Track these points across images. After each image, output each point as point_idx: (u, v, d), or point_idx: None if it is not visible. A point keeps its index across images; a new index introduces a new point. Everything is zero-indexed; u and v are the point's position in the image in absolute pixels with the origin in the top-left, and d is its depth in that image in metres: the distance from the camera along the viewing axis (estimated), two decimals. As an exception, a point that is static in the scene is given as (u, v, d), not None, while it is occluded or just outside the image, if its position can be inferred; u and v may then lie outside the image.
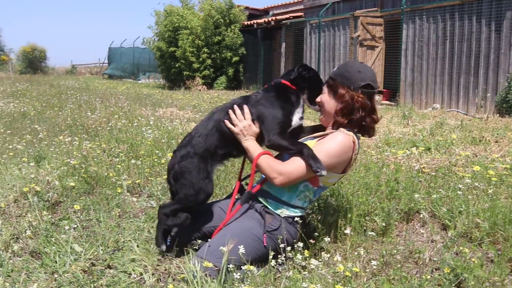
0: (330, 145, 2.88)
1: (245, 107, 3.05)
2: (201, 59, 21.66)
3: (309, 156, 2.78)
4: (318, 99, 3.12)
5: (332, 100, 3.04)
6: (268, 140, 2.97)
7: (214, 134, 3.11)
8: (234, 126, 3.03)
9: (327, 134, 3.02)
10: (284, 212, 2.99)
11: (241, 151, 3.14)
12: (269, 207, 3.04)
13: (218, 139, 3.10)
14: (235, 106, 3.07)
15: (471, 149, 6.68)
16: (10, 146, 6.31)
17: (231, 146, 3.12)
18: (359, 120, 2.98)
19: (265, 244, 2.87)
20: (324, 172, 2.73)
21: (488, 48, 12.75)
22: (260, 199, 3.09)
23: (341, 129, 2.98)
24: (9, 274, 2.88)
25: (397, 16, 15.70)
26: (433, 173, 4.91)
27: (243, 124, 3.00)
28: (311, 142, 2.99)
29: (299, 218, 3.03)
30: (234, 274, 2.47)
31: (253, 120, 3.03)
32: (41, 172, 4.97)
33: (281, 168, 2.85)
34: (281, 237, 2.85)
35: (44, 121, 8.91)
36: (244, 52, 22.53)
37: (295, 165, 2.83)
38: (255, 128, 3.01)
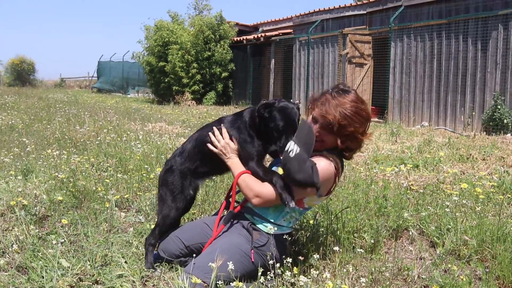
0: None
1: (222, 127, 3.09)
2: (190, 74, 21.68)
3: (280, 187, 2.79)
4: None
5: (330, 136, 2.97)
6: (246, 166, 3.00)
7: (196, 153, 3.22)
8: (215, 148, 3.05)
9: None
10: (272, 229, 2.98)
11: (223, 170, 3.23)
12: (256, 224, 3.03)
13: (199, 158, 3.21)
14: (214, 128, 3.12)
15: (459, 166, 6.74)
16: (-3, 160, 6.26)
17: (210, 165, 3.21)
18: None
19: (252, 260, 2.86)
20: (292, 204, 2.74)
21: (475, 67, 12.92)
22: (247, 216, 3.08)
23: (324, 152, 2.97)
24: (-6, 290, 2.85)
25: (385, 34, 15.87)
26: (421, 190, 4.94)
27: (221, 143, 3.04)
28: None
29: (287, 235, 3.02)
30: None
31: (231, 138, 3.05)
32: (28, 186, 4.93)
33: (258, 190, 2.87)
34: (269, 253, 2.84)
35: (32, 134, 8.85)
36: (234, 67, 22.59)
37: (271, 190, 2.85)
38: (233, 145, 3.04)
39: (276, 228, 2.98)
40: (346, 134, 2.89)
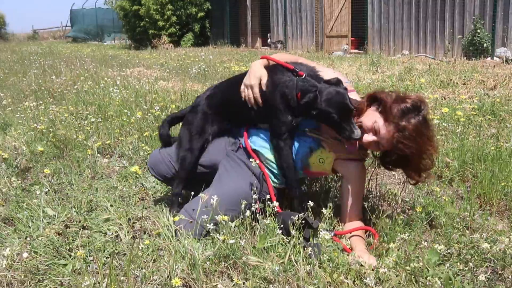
0: (357, 186, 2.80)
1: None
2: (165, 16, 21.22)
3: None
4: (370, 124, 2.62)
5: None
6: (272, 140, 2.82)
7: (224, 101, 3.02)
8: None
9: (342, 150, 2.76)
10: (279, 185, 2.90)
11: (244, 123, 3.03)
12: (271, 175, 2.90)
13: (226, 106, 3.01)
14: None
15: (440, 92, 6.76)
16: (-26, 115, 6.15)
17: (234, 116, 3.01)
18: None
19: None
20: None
21: (454, -10, 12.77)
22: (266, 165, 2.90)
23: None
24: (-19, 242, 2.84)
25: (362, -38, 15.54)
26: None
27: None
28: (327, 155, 2.81)
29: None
30: (208, 225, 2.46)
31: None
32: (7, 139, 4.86)
33: None
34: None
35: (7, 88, 8.67)
36: (209, 7, 22.14)
37: None
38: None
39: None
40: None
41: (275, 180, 2.87)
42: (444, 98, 6.34)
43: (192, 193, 2.82)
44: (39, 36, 40.83)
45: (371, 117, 2.60)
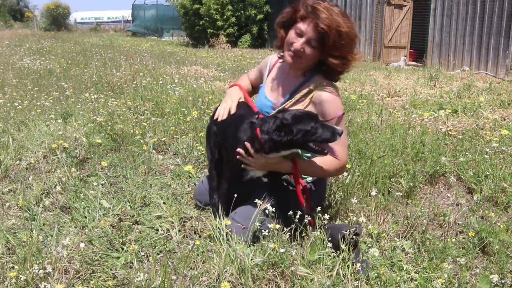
0: (333, 106, 2.78)
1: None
2: (225, 16, 21.44)
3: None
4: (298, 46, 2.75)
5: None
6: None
7: None
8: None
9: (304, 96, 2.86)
10: (308, 178, 3.00)
11: None
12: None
13: None
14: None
15: (499, 112, 6.58)
16: (38, 103, 6.39)
17: None
18: None
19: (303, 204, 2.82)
20: None
21: (521, 8, 12.39)
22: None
23: (318, 83, 2.83)
24: (41, 228, 2.96)
25: (427, -26, 15.28)
26: (460, 136, 4.86)
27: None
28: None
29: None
30: (263, 231, 2.50)
31: None
32: (68, 129, 5.03)
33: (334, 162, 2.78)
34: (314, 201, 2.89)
35: (70, 78, 8.97)
36: (269, 10, 22.22)
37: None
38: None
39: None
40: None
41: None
42: (504, 119, 6.17)
43: (235, 195, 2.82)
44: (100, 28, 41.91)
45: (291, 32, 2.81)
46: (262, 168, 2.74)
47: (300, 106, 2.82)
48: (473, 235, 2.86)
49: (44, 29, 36.79)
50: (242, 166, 2.75)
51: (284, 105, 2.88)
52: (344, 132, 2.74)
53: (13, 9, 53.73)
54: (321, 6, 2.69)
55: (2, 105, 6.32)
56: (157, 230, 2.98)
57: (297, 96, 2.85)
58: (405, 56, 16.14)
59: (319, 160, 2.76)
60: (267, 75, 3.14)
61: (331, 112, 2.75)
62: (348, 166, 3.76)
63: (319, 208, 2.77)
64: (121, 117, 5.47)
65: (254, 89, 3.32)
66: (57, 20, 39.07)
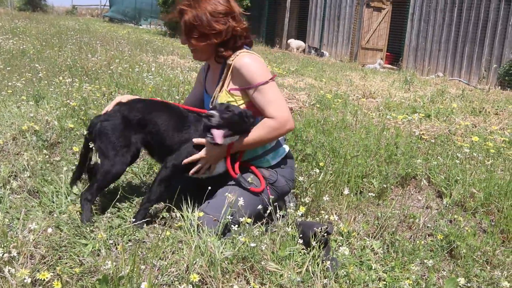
0: (251, 71, 2.80)
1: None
2: (204, 8, 21.29)
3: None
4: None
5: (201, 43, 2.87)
6: None
7: None
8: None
9: (225, 76, 2.92)
10: (271, 161, 3.00)
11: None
12: (256, 165, 2.99)
13: None
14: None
15: (471, 119, 6.68)
16: (9, 84, 6.24)
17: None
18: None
19: (270, 195, 2.84)
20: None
21: (496, 18, 12.62)
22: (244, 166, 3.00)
23: (234, 57, 2.88)
24: (7, 211, 2.89)
25: (407, -22, 15.44)
26: (432, 140, 4.92)
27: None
28: (222, 96, 2.91)
29: (287, 152, 3.08)
30: (232, 226, 2.49)
31: None
32: (40, 112, 4.93)
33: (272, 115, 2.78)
34: (281, 187, 2.96)
35: (43, 60, 8.78)
36: (249, 4, 22.13)
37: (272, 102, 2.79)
38: None
39: (274, 155, 3.01)
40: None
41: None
42: (475, 126, 6.27)
43: (209, 188, 2.82)
44: (77, 12, 41.22)
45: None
46: (216, 159, 2.84)
47: (226, 85, 2.89)
48: (441, 238, 2.89)
49: (18, 9, 36.00)
50: (192, 174, 2.88)
51: (215, 92, 2.96)
52: (275, 91, 2.80)
53: (-13, -13, 52.44)
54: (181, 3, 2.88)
55: (-28, 83, 6.16)
56: (126, 219, 2.94)
57: (222, 78, 2.93)
58: (382, 58, 16.30)
59: (256, 128, 2.81)
60: (205, 80, 3.19)
61: (249, 77, 2.79)
62: (321, 164, 3.77)
63: (292, 204, 2.78)
64: (95, 102, 5.38)
65: None
66: (33, 0, 38.30)
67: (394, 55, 16.30)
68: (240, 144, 2.82)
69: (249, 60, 2.81)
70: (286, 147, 3.11)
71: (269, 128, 2.76)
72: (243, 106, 2.85)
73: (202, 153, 2.83)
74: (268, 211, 2.63)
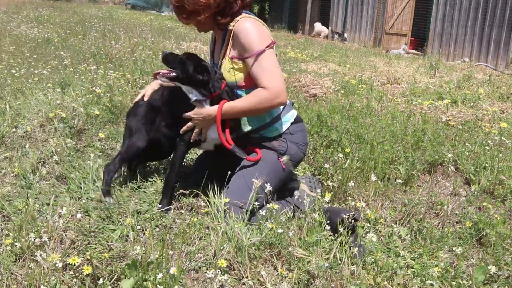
0: (248, 38, 2.75)
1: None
2: (226, -7, 21.23)
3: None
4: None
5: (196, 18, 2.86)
6: None
7: None
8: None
9: (227, 42, 2.89)
10: (280, 128, 2.96)
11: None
12: (265, 135, 2.97)
13: None
14: None
15: (498, 105, 6.56)
16: (36, 71, 6.31)
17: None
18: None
19: (283, 167, 2.85)
20: None
21: (525, 1, 12.33)
22: (253, 136, 3.00)
23: (234, 22, 2.84)
24: (37, 197, 2.93)
25: (432, -38, 15.17)
26: (460, 127, 4.84)
27: None
28: (225, 64, 2.89)
29: (296, 116, 3.04)
30: (261, 211, 2.49)
31: None
32: (66, 99, 4.98)
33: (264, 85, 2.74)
34: (294, 155, 2.95)
35: (68, 48, 8.85)
36: (271, -10, 22.05)
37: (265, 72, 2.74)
38: None
39: (283, 121, 2.97)
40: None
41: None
42: (503, 112, 6.15)
43: (229, 172, 2.86)
44: (100, 0, 41.44)
45: None
46: (206, 123, 2.84)
47: (228, 51, 2.86)
48: (470, 225, 2.86)
49: (42, -3, 36.25)
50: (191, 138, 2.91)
51: (219, 60, 2.96)
52: (271, 61, 2.74)
53: (12, -25, 52.94)
54: None
55: (-1, 71, 6.24)
56: (153, 205, 2.95)
57: (225, 45, 2.89)
58: (406, 43, 16.08)
59: (246, 96, 2.79)
60: (213, 51, 3.17)
61: (246, 44, 2.74)
62: (347, 150, 3.74)
63: (318, 190, 2.77)
64: (119, 89, 5.41)
65: None
66: (56, -12, 38.53)
67: (419, 40, 16.06)
68: (230, 112, 2.79)
69: (248, 25, 2.76)
70: (294, 112, 3.07)
71: (260, 97, 2.71)
72: (242, 76, 2.84)
73: (190, 113, 2.85)
74: (296, 197, 2.61)
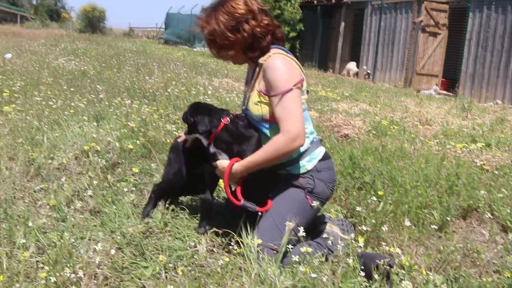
0: (276, 75, 2.74)
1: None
2: (258, 32, 21.54)
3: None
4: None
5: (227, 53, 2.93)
6: None
7: None
8: None
9: (257, 75, 2.90)
10: (307, 165, 2.92)
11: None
12: (292, 172, 2.93)
13: None
14: None
15: (534, 150, 6.43)
16: (72, 104, 6.45)
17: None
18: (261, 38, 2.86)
19: (311, 203, 2.82)
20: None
21: (560, 45, 12.21)
22: (280, 173, 2.95)
23: (266, 57, 2.84)
24: (71, 230, 2.96)
25: (464, 3, 15.22)
26: (495, 172, 4.76)
27: None
28: (253, 96, 2.91)
29: (324, 153, 3.00)
30: (293, 256, 2.46)
31: None
32: (101, 132, 5.06)
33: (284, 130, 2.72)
34: (322, 192, 2.91)
35: (103, 81, 9.05)
36: (302, 28, 22.28)
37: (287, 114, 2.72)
38: None
39: (310, 158, 2.94)
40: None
41: None
42: (539, 157, 6.03)
43: (260, 214, 2.84)
44: (133, 34, 42.48)
45: None
46: (220, 175, 2.93)
47: (257, 84, 2.87)
48: (509, 276, 2.77)
49: (79, 31, 37.41)
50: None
51: (247, 92, 3.00)
52: (293, 103, 2.71)
53: (51, 9, 54.82)
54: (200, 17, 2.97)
55: (38, 103, 6.39)
56: (185, 241, 2.95)
57: (254, 77, 2.91)
58: (437, 84, 16.02)
59: (265, 145, 2.78)
60: (246, 81, 3.21)
61: (272, 82, 2.73)
62: (380, 193, 3.70)
63: (352, 235, 2.74)
64: (153, 124, 5.49)
65: None
66: (92, 22, 39.71)
67: (450, 81, 16.00)
68: (251, 167, 2.80)
69: (278, 63, 2.76)
70: (322, 149, 3.04)
71: (277, 144, 2.69)
72: (268, 110, 2.83)
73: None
74: (330, 241, 2.58)
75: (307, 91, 2.97)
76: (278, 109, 2.72)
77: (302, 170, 2.92)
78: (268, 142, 2.76)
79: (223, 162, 2.87)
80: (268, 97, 2.78)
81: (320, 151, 3.00)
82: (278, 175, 2.96)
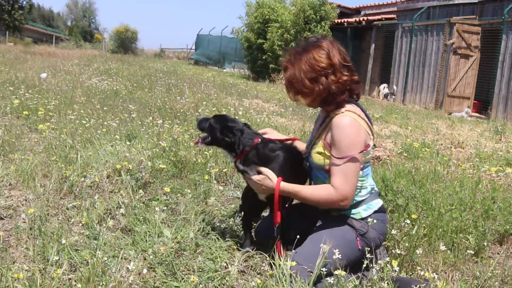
0: (342, 136, 2.71)
1: None
2: (288, 53, 21.64)
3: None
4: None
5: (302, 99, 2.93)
6: None
7: None
8: None
9: (326, 126, 2.88)
10: (362, 213, 2.89)
11: None
12: (347, 215, 2.91)
13: None
14: None
15: None
16: (104, 123, 6.55)
17: None
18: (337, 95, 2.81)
19: (359, 247, 2.78)
20: None
21: None
22: (334, 214, 2.95)
23: (340, 110, 2.81)
24: (103, 248, 2.97)
25: (496, 25, 15.03)
26: (532, 196, 4.63)
27: None
28: (318, 145, 2.90)
29: (380, 206, 2.97)
30: (328, 278, 2.42)
31: None
32: (132, 151, 5.11)
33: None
34: (372, 239, 2.84)
35: (134, 101, 9.18)
36: (332, 50, 22.28)
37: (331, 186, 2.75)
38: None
39: (365, 207, 2.91)
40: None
41: None
42: None
43: (298, 236, 2.85)
44: (164, 54, 43.12)
45: None
46: (255, 187, 2.97)
47: (324, 135, 2.86)
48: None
49: (111, 51, 38.17)
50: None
51: (314, 137, 2.99)
52: (352, 168, 2.70)
53: (84, 31, 56.24)
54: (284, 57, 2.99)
55: (71, 121, 6.50)
56: (217, 262, 2.93)
57: (323, 126, 2.91)
58: (469, 106, 15.80)
59: (317, 186, 2.85)
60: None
61: (337, 141, 2.72)
62: (413, 216, 3.63)
63: (387, 259, 2.68)
64: (185, 144, 5.52)
65: None
66: (125, 43, 40.49)
67: (482, 104, 15.76)
68: (294, 195, 2.85)
69: (346, 124, 2.73)
70: (380, 201, 3.01)
71: (327, 194, 2.73)
72: (329, 162, 2.80)
73: (255, 177, 2.92)
74: (365, 265, 2.54)
75: (374, 145, 2.96)
76: (336, 169, 2.73)
77: (357, 216, 2.91)
78: (322, 185, 2.81)
79: (268, 173, 2.87)
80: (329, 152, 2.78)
81: (377, 203, 2.98)
82: (333, 216, 2.94)
